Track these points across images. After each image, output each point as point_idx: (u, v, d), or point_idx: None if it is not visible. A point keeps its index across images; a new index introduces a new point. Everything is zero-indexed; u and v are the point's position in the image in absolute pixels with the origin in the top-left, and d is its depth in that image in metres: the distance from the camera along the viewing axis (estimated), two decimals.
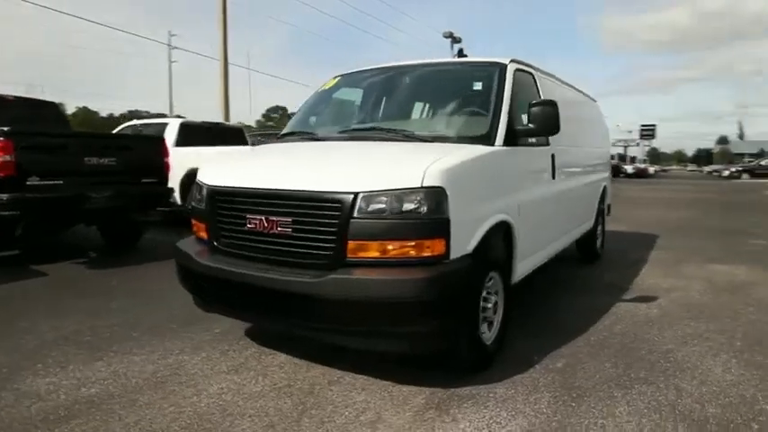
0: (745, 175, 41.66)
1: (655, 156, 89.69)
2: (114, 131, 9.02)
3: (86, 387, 2.77)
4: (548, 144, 3.80)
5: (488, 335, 3.00)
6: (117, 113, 58.66)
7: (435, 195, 2.49)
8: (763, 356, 3.25)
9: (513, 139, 3.24)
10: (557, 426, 2.41)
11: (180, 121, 8.76)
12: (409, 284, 2.43)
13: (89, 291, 4.71)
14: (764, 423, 2.43)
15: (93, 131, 9.91)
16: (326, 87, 4.15)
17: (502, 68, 3.50)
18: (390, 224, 2.49)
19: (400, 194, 2.48)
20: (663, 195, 19.95)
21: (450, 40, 30.65)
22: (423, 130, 3.17)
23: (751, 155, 68.69)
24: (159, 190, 6.39)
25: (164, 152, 6.43)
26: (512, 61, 3.63)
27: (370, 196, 2.50)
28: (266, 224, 2.74)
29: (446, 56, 30.63)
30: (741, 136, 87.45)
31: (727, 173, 47.79)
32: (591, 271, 5.73)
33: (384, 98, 3.92)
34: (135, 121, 10.06)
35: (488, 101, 3.28)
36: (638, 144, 62.42)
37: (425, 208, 2.48)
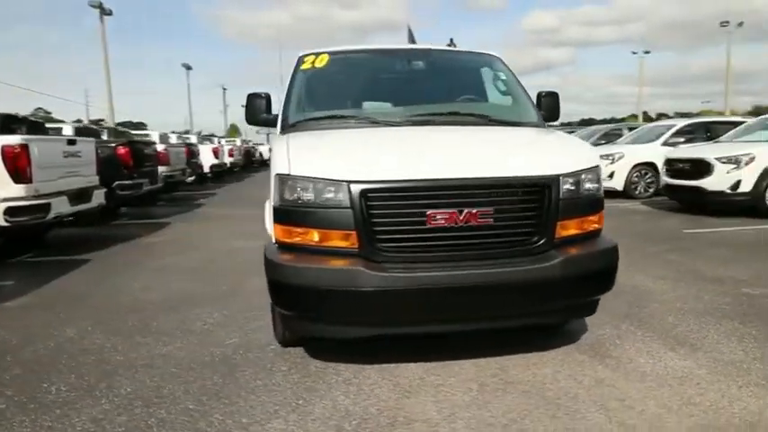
0: None
1: None
2: None
3: None
4: None
5: None
6: None
7: (599, 173, 2.85)
8: (655, 271, 4.79)
9: None
10: (682, 337, 3.22)
11: None
12: (613, 254, 2.76)
13: None
14: (751, 304, 3.82)
15: None
16: (319, 66, 3.61)
17: (501, 60, 3.92)
18: (584, 202, 2.73)
19: (585, 174, 2.74)
20: None
21: (98, 10, 26.78)
22: (500, 115, 3.34)
23: None
24: None
25: None
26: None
27: (569, 177, 2.67)
28: (460, 218, 2.49)
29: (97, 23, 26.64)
30: None
31: None
32: None
33: (410, 82, 3.76)
34: None
35: (519, 89, 3.68)
36: None
37: (597, 185, 2.82)
